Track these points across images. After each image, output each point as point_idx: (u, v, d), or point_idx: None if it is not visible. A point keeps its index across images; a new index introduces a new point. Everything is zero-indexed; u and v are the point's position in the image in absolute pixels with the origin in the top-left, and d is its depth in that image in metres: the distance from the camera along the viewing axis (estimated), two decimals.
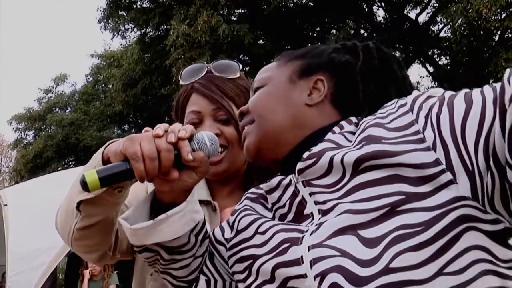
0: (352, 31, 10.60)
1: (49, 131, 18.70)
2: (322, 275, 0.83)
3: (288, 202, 0.98)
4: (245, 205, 1.08)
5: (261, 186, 1.09)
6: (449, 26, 11.28)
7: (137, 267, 1.34)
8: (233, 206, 1.31)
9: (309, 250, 0.86)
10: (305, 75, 1.04)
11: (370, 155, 0.85)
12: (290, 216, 0.98)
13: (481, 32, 9.45)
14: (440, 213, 0.78)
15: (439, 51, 13.46)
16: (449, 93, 0.85)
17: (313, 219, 0.92)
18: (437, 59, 13.53)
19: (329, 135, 0.96)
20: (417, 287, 0.77)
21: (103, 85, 19.31)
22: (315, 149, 0.94)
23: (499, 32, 9.85)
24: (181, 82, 1.40)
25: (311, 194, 0.93)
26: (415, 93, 0.90)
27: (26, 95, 61.76)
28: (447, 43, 11.26)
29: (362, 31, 11.79)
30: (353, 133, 0.95)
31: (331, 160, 0.90)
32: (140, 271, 1.32)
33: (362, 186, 0.85)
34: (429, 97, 0.86)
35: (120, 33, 14.70)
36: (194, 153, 0.97)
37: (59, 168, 16.55)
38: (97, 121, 17.23)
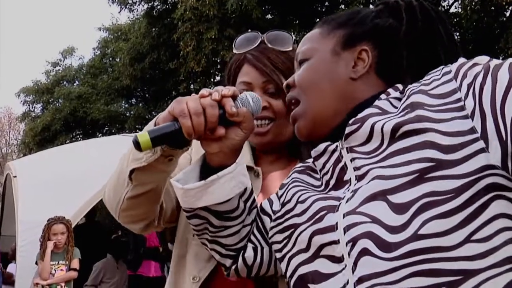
0: (361, 7, 10.48)
1: (57, 104, 18.70)
2: (353, 241, 0.85)
3: (331, 168, 1.00)
4: (293, 178, 1.10)
5: (308, 160, 1.12)
6: (459, 1, 11.14)
7: (179, 229, 1.37)
8: (278, 172, 1.37)
9: (344, 217, 0.88)
10: (349, 46, 1.03)
11: (409, 121, 0.86)
12: (332, 182, 1.00)
13: (492, 7, 9.33)
14: (469, 181, 0.79)
15: None
16: (494, 62, 0.84)
17: (350, 184, 0.93)
18: None
19: (376, 101, 0.97)
20: (445, 253, 0.78)
21: (110, 58, 19.23)
22: (360, 115, 0.95)
23: (510, 8, 9.71)
24: (234, 51, 1.42)
25: (352, 159, 0.95)
26: (460, 60, 0.90)
27: (33, 67, 61.73)
28: (458, 19, 11.12)
29: (371, 6, 11.67)
30: (399, 99, 0.95)
31: (372, 127, 0.91)
32: (182, 233, 1.36)
33: (397, 152, 0.86)
34: (475, 64, 0.86)
35: (127, 6, 14.60)
36: (237, 108, 1.02)
37: (67, 141, 16.62)
38: (105, 94, 17.21)
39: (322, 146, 1.03)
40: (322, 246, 0.91)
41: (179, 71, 12.19)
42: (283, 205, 1.06)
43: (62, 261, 5.07)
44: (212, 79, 14.28)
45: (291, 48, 1.38)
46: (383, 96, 0.98)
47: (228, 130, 1.03)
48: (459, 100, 0.85)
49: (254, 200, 1.13)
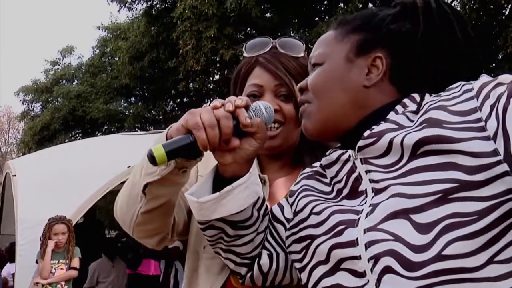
0: (360, 5, 10.47)
1: (56, 103, 18.71)
2: (376, 258, 0.86)
3: (345, 177, 1.00)
4: (302, 185, 1.10)
5: (315, 164, 1.12)
6: (458, 0, 11.14)
7: (190, 242, 1.38)
8: (282, 179, 1.37)
9: (364, 233, 0.88)
10: (363, 53, 1.01)
11: (430, 139, 0.85)
12: (345, 191, 1.00)
13: (491, 6, 9.33)
14: (493, 204, 0.79)
15: None
16: None
17: (366, 196, 0.94)
18: None
19: (392, 115, 0.96)
20: (468, 274, 0.79)
21: (109, 57, 19.22)
22: (376, 129, 0.94)
23: (509, 6, 9.72)
24: (244, 54, 1.42)
25: (367, 171, 0.95)
26: (483, 79, 0.88)
27: (33, 66, 61.67)
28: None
29: (370, 5, 11.66)
30: (416, 113, 0.94)
31: (391, 141, 0.91)
32: (193, 246, 1.37)
33: (418, 170, 0.86)
34: (498, 84, 0.84)
35: (126, 5, 14.60)
36: (251, 119, 1.02)
37: (66, 140, 16.62)
38: (104, 93, 17.21)
39: (335, 154, 1.03)
40: (342, 260, 0.92)
41: (178, 69, 12.19)
42: (295, 213, 1.06)
43: (63, 260, 5.07)
44: (211, 78, 14.28)
45: (302, 55, 1.39)
46: (399, 108, 0.97)
47: (242, 140, 1.03)
48: (479, 120, 0.84)
49: (266, 207, 1.13)
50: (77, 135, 18.50)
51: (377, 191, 0.91)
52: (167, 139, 1.05)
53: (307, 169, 1.14)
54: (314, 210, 1.01)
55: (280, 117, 1.33)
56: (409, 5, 1.02)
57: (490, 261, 0.79)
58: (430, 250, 0.81)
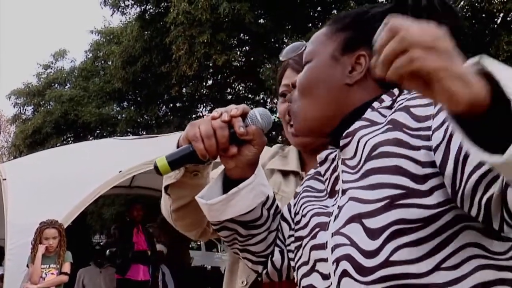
0: None
1: (48, 107, 18.59)
2: (337, 261, 0.90)
3: (329, 176, 1.04)
4: (304, 187, 1.14)
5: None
6: None
7: None
8: None
9: (332, 236, 0.92)
10: (348, 51, 1.03)
11: (386, 143, 0.87)
12: (327, 190, 1.05)
13: (483, 15, 9.40)
14: (438, 212, 0.81)
15: None
16: None
17: (338, 196, 0.97)
18: None
19: (368, 112, 0.98)
20: (415, 280, 0.81)
21: (102, 61, 19.15)
22: (351, 127, 0.97)
23: (501, 15, 9.79)
24: (281, 58, 1.49)
25: (343, 171, 0.98)
26: None
27: (25, 69, 61.49)
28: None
29: None
30: (390, 108, 0.96)
31: (358, 142, 0.94)
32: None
33: (371, 172, 0.88)
34: None
35: (120, 9, 14.56)
36: (246, 127, 1.07)
37: (57, 144, 16.48)
38: (96, 97, 17.12)
39: (324, 153, 1.06)
40: (316, 261, 0.96)
41: (171, 74, 12.16)
42: (295, 214, 1.12)
43: (53, 264, 5.04)
44: (204, 83, 14.27)
45: None
46: (376, 104, 0.98)
47: (241, 147, 1.08)
48: (429, 128, 0.84)
49: (277, 206, 1.18)
50: (69, 139, 18.39)
51: (342, 192, 0.95)
52: (178, 147, 1.14)
53: (312, 170, 1.17)
54: (303, 212, 1.06)
55: None
56: (400, 2, 1.03)
57: (437, 267, 0.80)
58: (378, 255, 0.83)
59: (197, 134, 1.05)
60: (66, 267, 5.08)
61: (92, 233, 9.09)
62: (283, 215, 1.18)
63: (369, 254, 0.84)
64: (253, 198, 1.09)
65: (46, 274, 5.00)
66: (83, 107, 16.90)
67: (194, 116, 16.66)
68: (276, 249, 1.18)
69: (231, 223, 1.11)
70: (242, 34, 12.63)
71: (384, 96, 0.99)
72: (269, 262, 1.18)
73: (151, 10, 13.62)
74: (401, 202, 0.83)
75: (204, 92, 14.83)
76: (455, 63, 0.63)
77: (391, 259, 0.82)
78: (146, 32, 13.51)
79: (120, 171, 5.62)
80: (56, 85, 19.72)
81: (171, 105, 16.24)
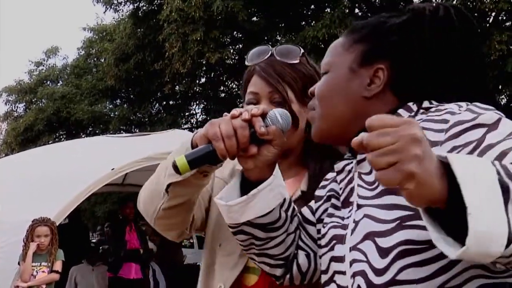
0: (347, 10, 10.52)
1: (40, 104, 18.51)
2: (354, 276, 0.93)
3: (344, 186, 1.06)
4: (328, 191, 1.15)
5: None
6: None
7: (207, 239, 1.49)
8: (290, 180, 1.44)
9: (350, 251, 0.95)
10: (366, 64, 1.04)
11: None
12: (341, 198, 1.07)
13: (475, 14, 9.43)
14: None
15: None
16: (491, 137, 0.83)
17: (352, 209, 1.00)
18: None
19: None
20: None
21: (95, 59, 19.10)
22: None
23: (493, 14, 9.83)
24: (246, 63, 1.49)
25: (358, 185, 1.00)
26: (464, 114, 0.88)
27: (16, 66, 61.10)
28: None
29: (356, 10, 11.72)
30: None
31: None
32: (210, 243, 1.48)
33: (386, 192, 0.91)
34: (476, 126, 0.85)
35: (113, 6, 14.51)
36: (267, 127, 1.07)
37: (50, 142, 16.44)
38: (89, 95, 17.07)
39: (341, 164, 1.09)
40: (335, 273, 0.99)
41: (164, 72, 12.14)
42: (318, 221, 1.14)
43: (45, 262, 5.01)
44: (197, 81, 14.25)
45: (298, 61, 1.43)
46: None
47: (261, 147, 1.08)
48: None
49: (294, 208, 1.18)
50: (61, 137, 18.32)
51: (358, 207, 0.97)
52: (192, 145, 1.15)
53: (330, 174, 1.19)
54: (324, 221, 1.09)
55: None
56: (417, 13, 1.03)
57: (442, 287, 0.83)
58: (386, 273, 0.86)
59: (218, 133, 1.04)
60: (58, 265, 5.05)
61: (88, 231, 9.03)
62: (307, 218, 1.19)
63: (379, 272, 0.88)
64: (272, 199, 1.10)
65: (37, 272, 4.97)
66: (76, 104, 16.85)
67: (187, 114, 16.66)
68: (302, 253, 1.18)
69: (248, 227, 1.11)
70: (235, 32, 12.63)
71: (401, 111, 1.00)
72: (295, 265, 1.18)
73: (144, 8, 13.59)
74: (409, 223, 0.85)
75: (197, 89, 14.82)
76: (424, 166, 0.69)
77: (397, 278, 0.85)
78: (139, 30, 13.48)
79: (113, 169, 5.60)
80: (48, 82, 19.65)
81: (164, 102, 16.22)
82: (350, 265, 0.94)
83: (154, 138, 7.23)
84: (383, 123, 0.73)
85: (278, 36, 11.73)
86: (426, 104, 0.98)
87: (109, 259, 7.24)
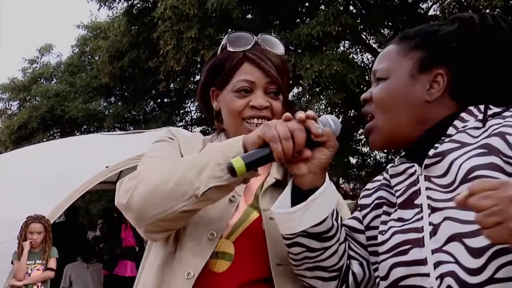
0: (342, 7, 10.52)
1: (34, 102, 18.46)
2: (441, 277, 0.94)
3: (404, 189, 1.08)
4: (375, 199, 1.18)
5: (378, 177, 1.21)
6: (438, 4, 11.26)
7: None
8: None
9: (432, 253, 0.97)
10: (425, 70, 1.08)
11: (483, 167, 0.93)
12: (399, 201, 1.09)
13: (470, 10, 9.45)
14: None
15: None
16: None
17: (421, 211, 1.02)
18: None
19: (451, 130, 1.03)
20: None
21: (89, 56, 19.06)
22: (440, 148, 1.02)
23: (487, 11, 9.85)
24: (229, 48, 1.44)
25: (427, 188, 1.02)
26: None
27: (10, 64, 60.82)
28: (436, 21, 11.23)
29: (351, 8, 11.72)
30: (477, 128, 1.01)
31: (451, 163, 0.98)
32: (174, 232, 1.33)
33: None
34: None
35: (107, 4, 14.47)
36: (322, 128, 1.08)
37: (44, 140, 16.41)
38: (83, 93, 17.04)
39: (402, 167, 1.10)
40: (403, 277, 1.00)
41: (158, 69, 12.13)
42: (367, 228, 1.16)
43: (39, 260, 4.99)
44: (192, 78, 14.23)
45: (283, 52, 1.44)
46: (458, 123, 1.03)
47: (314, 150, 1.09)
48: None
49: (340, 217, 1.18)
50: (56, 135, 18.28)
51: (433, 209, 0.99)
52: (244, 148, 1.11)
53: (370, 185, 1.22)
54: (380, 229, 1.10)
55: (269, 113, 1.37)
56: (467, 22, 1.09)
57: None
58: (483, 273, 0.89)
59: (276, 135, 1.04)
60: (52, 263, 5.03)
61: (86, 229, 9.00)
62: (354, 227, 1.20)
63: (474, 272, 0.90)
64: (327, 206, 1.10)
65: (31, 270, 4.95)
66: (70, 102, 16.81)
67: (181, 111, 16.63)
68: (355, 262, 1.19)
69: (304, 238, 1.11)
70: (230, 29, 12.61)
71: (463, 115, 1.04)
72: (350, 276, 1.18)
73: (138, 5, 13.56)
74: None
75: (192, 87, 14.79)
76: None
77: (495, 276, 0.88)
78: (133, 27, 13.45)
79: (107, 167, 5.58)
80: (42, 80, 19.59)
81: (159, 100, 16.19)
82: (435, 267, 0.96)
83: (149, 136, 7.21)
84: (483, 187, 0.79)
85: (272, 33, 11.73)
86: (494, 109, 1.02)
87: (104, 256, 7.22)
